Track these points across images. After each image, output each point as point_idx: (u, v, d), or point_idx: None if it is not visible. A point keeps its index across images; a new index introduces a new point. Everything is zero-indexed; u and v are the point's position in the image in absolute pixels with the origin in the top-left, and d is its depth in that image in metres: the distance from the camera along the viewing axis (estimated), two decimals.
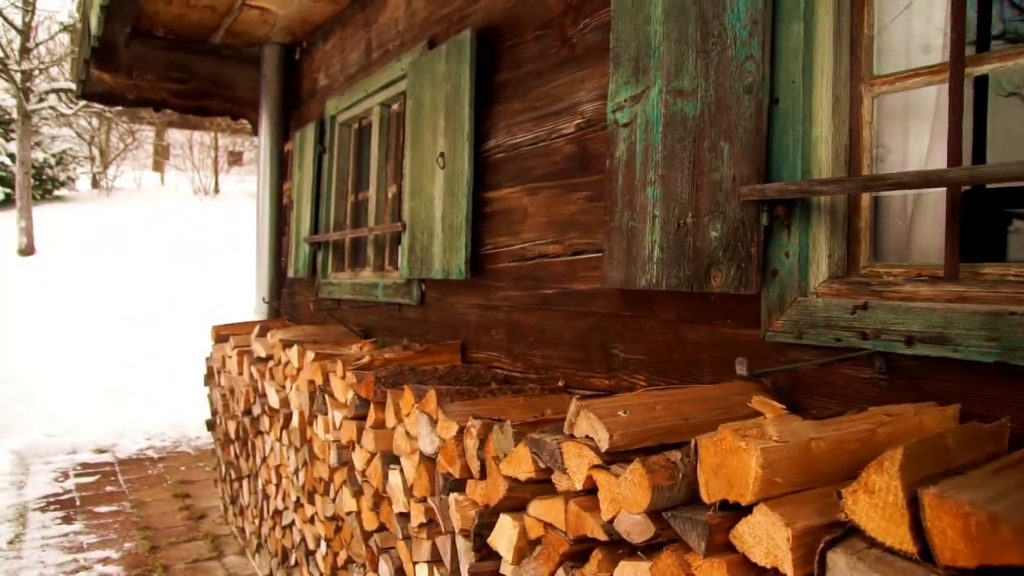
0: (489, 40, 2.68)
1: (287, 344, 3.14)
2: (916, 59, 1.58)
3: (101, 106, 15.62)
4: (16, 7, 14.59)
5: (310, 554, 3.03)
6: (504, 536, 1.56)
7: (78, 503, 4.92)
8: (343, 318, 3.80)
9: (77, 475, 5.58)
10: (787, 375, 1.55)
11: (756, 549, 1.00)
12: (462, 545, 1.76)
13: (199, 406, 6.82)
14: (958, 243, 1.37)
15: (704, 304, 1.80)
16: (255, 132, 5.14)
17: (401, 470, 2.09)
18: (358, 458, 2.40)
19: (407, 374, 2.41)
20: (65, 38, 16.58)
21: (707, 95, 1.71)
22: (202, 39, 4.81)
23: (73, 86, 6.73)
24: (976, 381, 1.28)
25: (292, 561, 3.29)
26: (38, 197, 17.20)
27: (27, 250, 14.11)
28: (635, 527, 1.22)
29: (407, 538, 2.10)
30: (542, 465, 1.47)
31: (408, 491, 2.05)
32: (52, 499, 4.99)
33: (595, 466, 1.30)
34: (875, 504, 0.90)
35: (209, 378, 4.77)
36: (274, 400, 3.23)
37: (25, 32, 14.57)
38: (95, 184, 20.69)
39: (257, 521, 3.84)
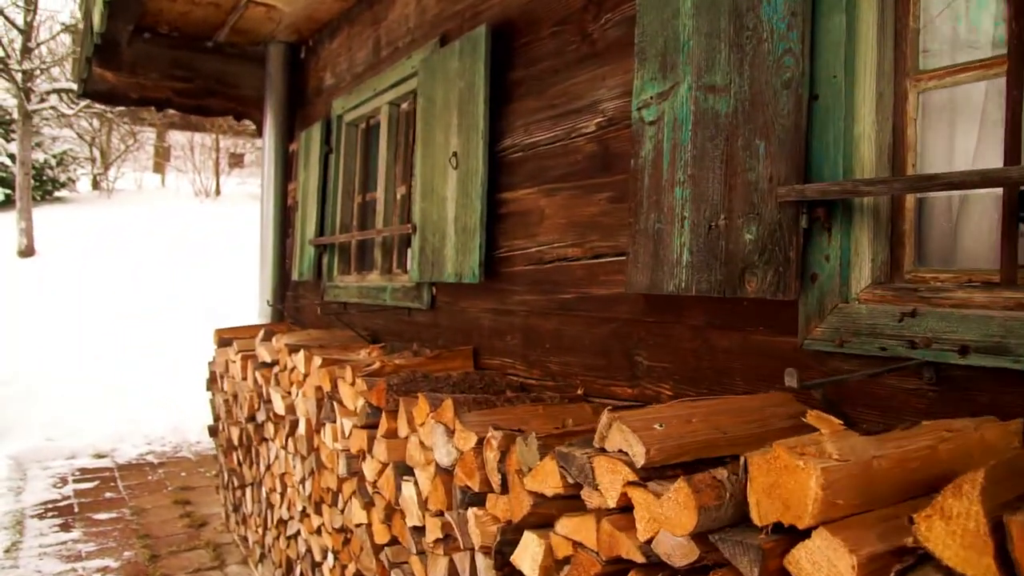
0: (504, 36, 2.60)
1: (293, 349, 3.06)
2: (961, 54, 1.51)
3: (102, 106, 15.60)
4: (18, 7, 14.53)
5: (316, 566, 2.94)
6: (528, 554, 1.48)
7: (77, 510, 4.82)
8: (350, 322, 3.72)
9: (76, 481, 5.48)
10: (834, 386, 1.47)
11: None
12: (482, 563, 1.68)
13: (200, 408, 6.72)
14: (1015, 247, 1.30)
15: (736, 310, 1.72)
16: (259, 132, 5.06)
17: (415, 482, 2.01)
18: (369, 468, 2.31)
19: (419, 381, 2.32)
20: (67, 38, 16.54)
21: (741, 91, 1.63)
22: (206, 37, 4.73)
23: (74, 86, 6.64)
24: None
25: (297, 572, 3.20)
26: (38, 198, 17.13)
27: (27, 251, 14.02)
28: (677, 549, 1.14)
29: (421, 553, 2.02)
30: (570, 480, 1.39)
31: (423, 504, 1.97)
32: (50, 506, 4.89)
33: (630, 483, 1.22)
34: (952, 531, 0.83)
35: (212, 383, 4.67)
36: (279, 407, 3.15)
37: (26, 32, 14.50)
38: (96, 185, 20.65)
39: (260, 530, 3.75)
